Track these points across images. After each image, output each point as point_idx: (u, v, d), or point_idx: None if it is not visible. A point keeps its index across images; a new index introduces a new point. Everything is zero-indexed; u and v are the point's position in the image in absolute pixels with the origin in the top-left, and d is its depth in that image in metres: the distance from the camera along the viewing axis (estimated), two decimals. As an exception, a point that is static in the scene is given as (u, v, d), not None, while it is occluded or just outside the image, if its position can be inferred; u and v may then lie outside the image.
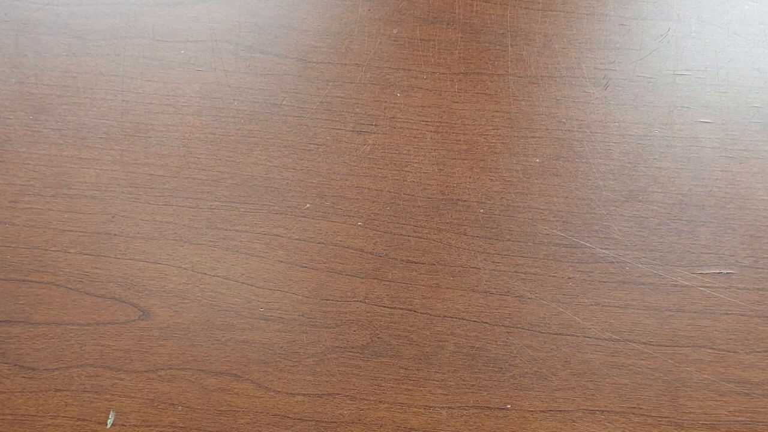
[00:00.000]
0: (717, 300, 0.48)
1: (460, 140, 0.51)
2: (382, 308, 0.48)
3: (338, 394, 0.47)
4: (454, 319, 0.48)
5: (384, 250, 0.49)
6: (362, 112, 0.51)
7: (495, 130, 0.51)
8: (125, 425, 0.47)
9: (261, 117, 0.52)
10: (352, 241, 0.49)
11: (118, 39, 0.53)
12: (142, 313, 0.49)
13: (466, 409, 0.47)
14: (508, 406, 0.47)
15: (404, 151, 0.51)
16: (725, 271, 0.48)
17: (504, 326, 0.48)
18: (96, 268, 0.49)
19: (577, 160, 0.50)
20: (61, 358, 0.48)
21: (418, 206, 0.50)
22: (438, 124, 0.51)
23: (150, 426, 0.47)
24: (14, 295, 0.49)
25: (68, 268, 0.49)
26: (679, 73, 0.51)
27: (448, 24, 0.53)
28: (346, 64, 0.52)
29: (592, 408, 0.47)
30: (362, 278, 0.49)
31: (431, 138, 0.51)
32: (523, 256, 0.49)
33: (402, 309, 0.48)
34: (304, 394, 0.47)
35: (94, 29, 0.53)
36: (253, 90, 0.52)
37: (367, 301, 0.49)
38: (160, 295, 0.49)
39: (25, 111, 0.52)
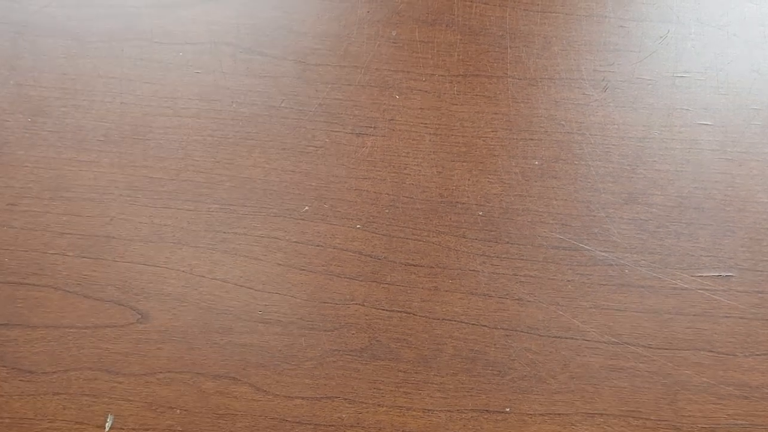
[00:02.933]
0: (716, 303, 0.48)
1: (458, 142, 0.51)
2: (381, 311, 0.48)
3: (337, 397, 0.47)
4: (453, 322, 0.48)
5: (383, 252, 0.49)
6: (361, 114, 0.51)
7: (494, 132, 0.51)
8: (123, 429, 0.47)
9: (259, 119, 0.51)
10: (351, 243, 0.49)
11: (116, 41, 0.53)
12: (140, 316, 0.48)
13: (465, 413, 0.47)
14: (507, 410, 0.47)
15: (403, 154, 0.51)
16: (725, 274, 0.48)
17: (503, 329, 0.48)
18: (94, 271, 0.49)
19: (576, 162, 0.50)
20: (59, 361, 0.48)
21: (417, 209, 0.50)
22: (437, 126, 0.51)
23: (148, 429, 0.47)
24: (12, 299, 0.49)
25: (66, 271, 0.49)
26: (679, 75, 0.51)
27: (447, 26, 0.53)
28: (344, 66, 0.52)
29: (591, 411, 0.47)
30: (361, 281, 0.49)
31: (430, 140, 0.51)
32: (522, 259, 0.49)
33: (401, 312, 0.48)
34: (302, 398, 0.47)
35: (92, 31, 0.53)
36: (252, 92, 0.52)
37: (365, 304, 0.48)
38: (158, 298, 0.49)
39: (23, 113, 0.52)
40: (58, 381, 0.48)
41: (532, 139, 0.51)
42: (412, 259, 0.49)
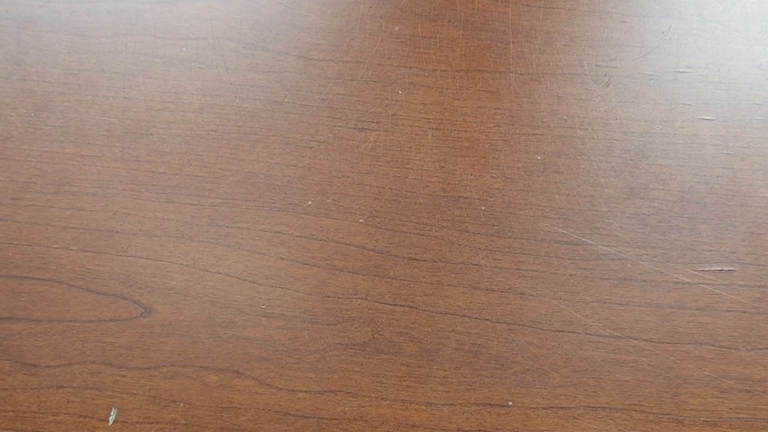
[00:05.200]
0: (718, 297, 0.48)
1: (461, 137, 0.51)
2: (384, 305, 0.48)
3: (340, 390, 0.47)
4: (456, 316, 0.48)
5: (385, 247, 0.49)
6: (364, 109, 0.52)
7: (496, 127, 0.51)
8: (127, 422, 0.47)
9: (262, 114, 0.52)
10: (354, 238, 0.49)
11: (119, 36, 0.53)
12: (143, 310, 0.49)
13: (467, 406, 0.47)
14: (510, 403, 0.47)
15: (406, 149, 0.51)
16: (726, 268, 0.48)
17: (505, 323, 0.48)
18: (98, 265, 0.49)
19: (578, 157, 0.50)
20: (62, 355, 0.48)
21: (420, 203, 0.50)
22: (439, 121, 0.51)
23: (152, 423, 0.47)
24: (16, 293, 0.49)
25: (70, 265, 0.49)
26: (681, 70, 0.51)
27: (449, 21, 0.53)
28: (347, 61, 0.52)
29: (593, 405, 0.47)
30: (364, 275, 0.49)
31: (433, 135, 0.51)
32: (524, 254, 0.49)
33: (403, 306, 0.48)
34: (305, 391, 0.47)
35: (95, 26, 0.53)
36: (255, 87, 0.52)
37: (368, 298, 0.49)
38: (161, 292, 0.49)
39: (27, 108, 0.52)
40: (62, 374, 0.48)
41: (534, 134, 0.51)
42: (415, 254, 0.49)
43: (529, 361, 0.47)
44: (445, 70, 0.52)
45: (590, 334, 0.48)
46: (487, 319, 0.48)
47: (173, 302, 0.49)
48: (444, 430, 0.47)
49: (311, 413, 0.47)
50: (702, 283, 0.48)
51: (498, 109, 0.51)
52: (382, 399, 0.47)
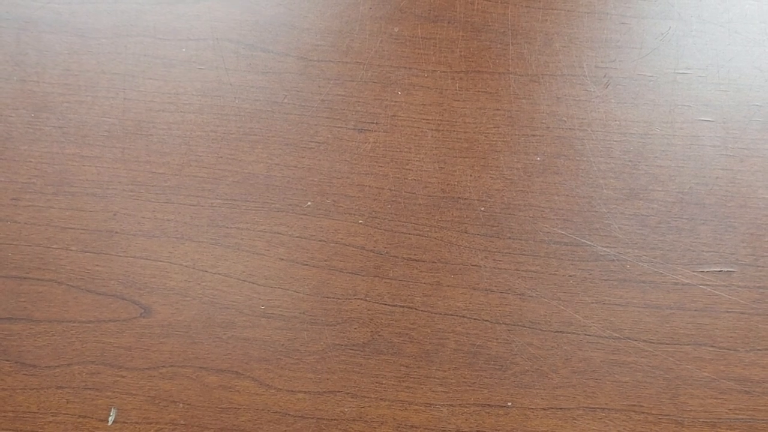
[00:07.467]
0: (717, 298, 0.48)
1: (461, 138, 0.51)
2: (383, 306, 0.48)
3: (339, 391, 0.47)
4: (455, 317, 0.48)
5: (385, 247, 0.49)
6: (363, 110, 0.52)
7: (496, 129, 0.51)
8: (126, 422, 0.47)
9: (262, 115, 0.52)
10: (353, 238, 0.49)
11: (119, 37, 0.53)
12: (143, 310, 0.49)
13: (466, 407, 0.47)
14: (509, 404, 0.47)
15: (405, 149, 0.51)
16: (726, 269, 0.48)
17: (505, 324, 0.48)
18: (97, 265, 0.49)
19: (577, 158, 0.50)
20: (62, 355, 0.48)
21: (419, 204, 0.50)
22: (439, 122, 0.51)
23: (151, 423, 0.47)
24: (16, 293, 0.49)
25: (70, 265, 0.49)
26: (680, 71, 0.51)
27: (449, 22, 0.53)
28: (347, 62, 0.52)
29: (592, 406, 0.47)
30: (363, 276, 0.49)
31: (432, 136, 0.51)
32: (523, 254, 0.49)
33: (403, 307, 0.48)
34: (305, 392, 0.47)
35: (95, 27, 0.53)
36: (255, 88, 0.52)
37: (368, 298, 0.49)
38: (161, 292, 0.49)
39: (27, 109, 0.52)
40: (62, 375, 0.48)
41: (533, 135, 0.51)
42: (414, 254, 0.49)
43: (528, 362, 0.47)
44: (444, 71, 0.52)
45: (589, 335, 0.48)
46: (486, 320, 0.48)
47: (173, 303, 0.49)
48: (443, 430, 0.47)
49: (311, 414, 0.47)
50: (701, 284, 0.48)
51: (497, 110, 0.51)
52: (381, 400, 0.47)
